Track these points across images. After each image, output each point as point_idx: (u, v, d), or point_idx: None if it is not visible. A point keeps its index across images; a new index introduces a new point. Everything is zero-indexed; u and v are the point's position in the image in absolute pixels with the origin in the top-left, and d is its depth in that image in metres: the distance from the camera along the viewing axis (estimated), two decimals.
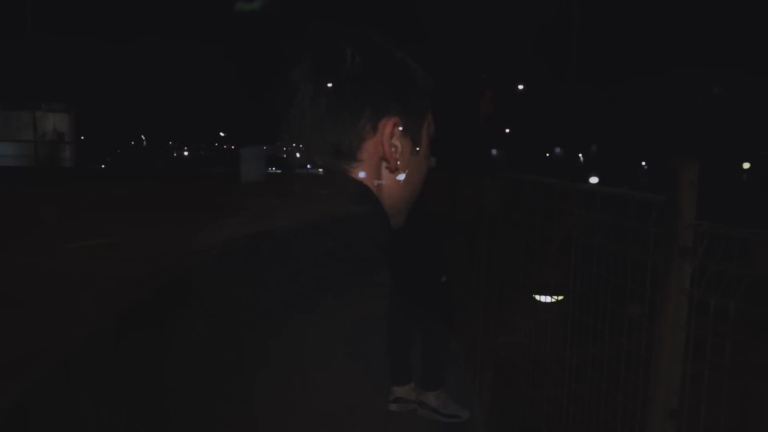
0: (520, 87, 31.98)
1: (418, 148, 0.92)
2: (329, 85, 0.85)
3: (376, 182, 0.88)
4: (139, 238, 9.49)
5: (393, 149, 0.88)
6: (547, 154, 33.03)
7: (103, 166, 33.63)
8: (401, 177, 0.89)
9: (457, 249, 4.22)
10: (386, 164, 0.88)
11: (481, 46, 32.28)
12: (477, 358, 3.94)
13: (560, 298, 3.14)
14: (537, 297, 3.34)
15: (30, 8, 30.83)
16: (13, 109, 34.25)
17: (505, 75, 29.85)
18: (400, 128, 0.88)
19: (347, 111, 0.85)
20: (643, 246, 1.92)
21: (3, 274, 7.39)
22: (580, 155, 31.16)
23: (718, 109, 29.81)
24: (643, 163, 31.60)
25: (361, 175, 0.86)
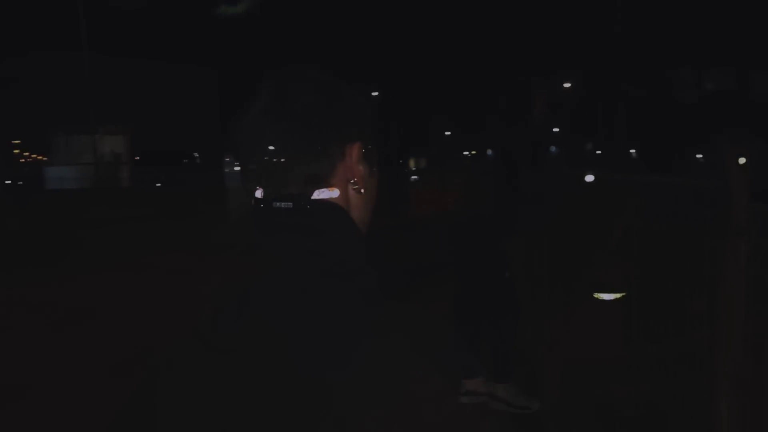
0: (567, 85, 31.74)
1: (374, 169, 1.03)
2: (297, 123, 0.94)
3: (346, 202, 0.97)
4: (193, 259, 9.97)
5: (359, 171, 0.98)
6: (598, 151, 32.62)
7: (158, 184, 34.27)
8: (364, 195, 0.99)
9: (519, 244, 4.34)
10: (354, 185, 0.98)
11: (528, 47, 32.14)
12: (544, 351, 4.05)
13: (622, 295, 3.22)
14: (598, 295, 3.41)
15: (86, 41, 32.01)
16: (74, 134, 35.72)
17: (553, 74, 29.67)
18: (363, 152, 0.98)
19: (318, 143, 0.94)
20: (700, 229, 2.06)
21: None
22: (633, 150, 30.67)
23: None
24: (699, 156, 30.92)
25: (334, 195, 0.95)
